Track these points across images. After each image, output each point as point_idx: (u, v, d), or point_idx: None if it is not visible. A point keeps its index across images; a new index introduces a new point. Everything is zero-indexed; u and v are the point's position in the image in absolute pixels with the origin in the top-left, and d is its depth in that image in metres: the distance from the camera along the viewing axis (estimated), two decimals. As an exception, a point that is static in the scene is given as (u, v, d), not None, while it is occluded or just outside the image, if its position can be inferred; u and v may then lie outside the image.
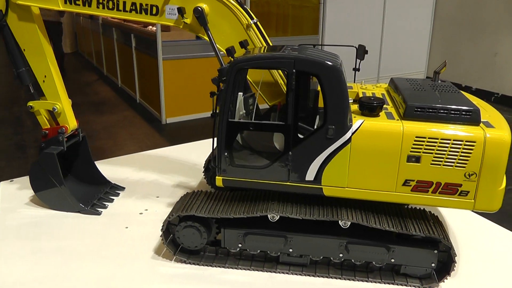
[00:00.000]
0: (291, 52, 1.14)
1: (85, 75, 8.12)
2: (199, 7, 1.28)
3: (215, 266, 1.26)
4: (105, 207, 1.55)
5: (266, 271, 1.24)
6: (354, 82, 1.52)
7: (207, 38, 1.31)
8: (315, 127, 1.16)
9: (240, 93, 1.28)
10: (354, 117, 1.16)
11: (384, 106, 1.25)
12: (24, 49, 1.42)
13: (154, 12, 1.34)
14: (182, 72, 5.25)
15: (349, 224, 1.19)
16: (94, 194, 1.58)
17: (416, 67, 7.41)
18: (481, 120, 1.15)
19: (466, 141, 1.11)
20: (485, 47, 6.57)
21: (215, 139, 1.19)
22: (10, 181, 1.73)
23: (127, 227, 1.44)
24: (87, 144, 1.63)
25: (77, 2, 1.36)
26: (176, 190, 1.67)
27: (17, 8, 1.38)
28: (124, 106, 5.93)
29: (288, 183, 1.19)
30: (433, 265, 1.20)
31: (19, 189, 1.66)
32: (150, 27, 5.53)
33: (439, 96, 1.21)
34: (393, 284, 1.21)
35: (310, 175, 1.18)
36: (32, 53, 1.42)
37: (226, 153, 1.19)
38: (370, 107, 1.16)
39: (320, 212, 1.20)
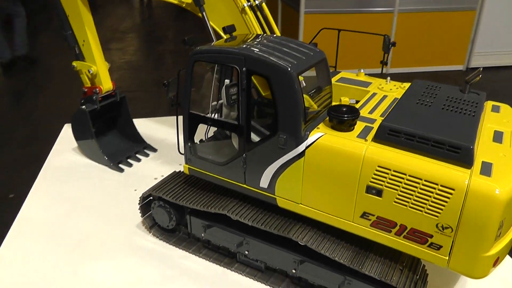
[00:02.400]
0: (249, 47, 1.02)
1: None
2: None
3: (181, 249, 1.28)
4: (130, 165, 1.67)
5: (223, 267, 1.22)
6: (381, 76, 1.30)
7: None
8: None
9: (227, 80, 1.21)
10: (318, 128, 1.00)
11: (376, 118, 1.04)
12: (68, 15, 1.55)
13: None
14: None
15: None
16: (125, 152, 1.71)
17: None
18: (482, 161, 0.89)
19: (441, 185, 0.88)
20: None
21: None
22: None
23: (135, 190, 1.54)
24: (126, 105, 1.74)
25: None
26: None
27: None
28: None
29: (244, 186, 1.12)
30: None
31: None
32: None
33: (437, 118, 0.96)
34: (344, 319, 1.07)
35: (264, 182, 1.07)
36: (74, 19, 1.54)
37: (189, 143, 1.16)
38: (339, 120, 0.98)
39: (274, 223, 1.10)
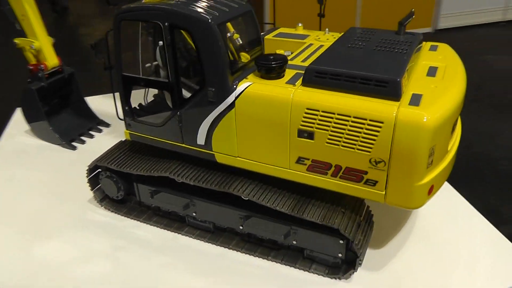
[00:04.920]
0: (171, 2, 0.98)
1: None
2: None
3: (132, 219, 1.26)
4: (83, 142, 1.63)
5: (173, 232, 1.20)
6: (320, 29, 1.28)
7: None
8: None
9: (160, 42, 1.17)
10: (246, 78, 0.98)
11: (305, 65, 1.02)
12: None
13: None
14: None
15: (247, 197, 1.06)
16: (78, 129, 1.67)
17: (493, 2, 5.21)
18: (412, 93, 0.88)
19: (370, 120, 0.86)
20: None
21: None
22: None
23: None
24: (76, 81, 1.70)
25: None
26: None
27: None
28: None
29: (183, 145, 1.09)
30: (340, 255, 1.02)
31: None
32: None
33: (366, 58, 0.95)
34: (293, 267, 1.07)
35: (201, 139, 1.06)
36: None
37: (126, 107, 1.13)
38: (267, 67, 0.96)
39: (215, 180, 1.09)
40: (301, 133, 0.93)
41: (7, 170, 1.52)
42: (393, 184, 0.90)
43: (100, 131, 1.70)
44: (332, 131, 0.90)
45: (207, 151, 1.06)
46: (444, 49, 1.12)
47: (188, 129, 1.06)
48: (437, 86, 0.92)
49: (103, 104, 1.82)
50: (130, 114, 1.14)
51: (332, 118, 0.89)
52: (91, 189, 1.30)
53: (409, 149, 0.85)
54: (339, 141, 0.90)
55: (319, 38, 1.19)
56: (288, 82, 0.95)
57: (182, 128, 1.07)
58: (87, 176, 1.28)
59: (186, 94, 1.04)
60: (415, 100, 0.87)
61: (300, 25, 1.27)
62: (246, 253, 1.12)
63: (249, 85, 0.95)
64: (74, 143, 1.62)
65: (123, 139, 1.32)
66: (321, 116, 0.90)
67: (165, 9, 0.96)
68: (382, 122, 0.85)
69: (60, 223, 1.26)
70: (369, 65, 0.91)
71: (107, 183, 1.26)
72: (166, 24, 0.96)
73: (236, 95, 0.96)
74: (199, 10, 0.95)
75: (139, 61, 1.15)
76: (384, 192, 0.91)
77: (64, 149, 1.61)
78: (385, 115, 0.85)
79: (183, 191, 1.15)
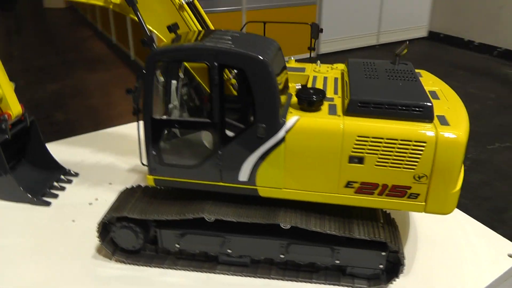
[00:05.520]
0: (214, 42, 1.01)
1: (79, 31, 7.90)
2: None
3: (154, 267, 1.20)
4: (55, 196, 1.49)
5: (205, 272, 1.18)
6: (310, 61, 1.38)
7: (136, 19, 1.18)
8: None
9: (174, 81, 1.17)
10: (290, 112, 1.04)
11: (332, 96, 1.12)
12: None
13: (80, -9, 1.21)
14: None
15: (289, 226, 1.10)
16: (45, 182, 1.52)
17: (418, 21, 6.80)
18: (436, 115, 1.02)
19: (415, 141, 0.99)
20: (490, 0, 6.11)
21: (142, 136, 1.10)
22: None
23: (73, 221, 1.38)
24: (37, 129, 1.55)
25: None
26: (130, 175, 1.60)
27: None
28: (118, 64, 5.79)
29: (221, 184, 1.10)
30: (381, 266, 1.11)
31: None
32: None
33: (391, 86, 1.08)
34: (338, 285, 1.14)
35: (243, 175, 1.08)
36: None
37: (154, 152, 1.10)
38: (309, 101, 1.03)
39: (257, 214, 1.11)
40: (351, 159, 1.02)
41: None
42: (433, 195, 1.03)
43: (69, 181, 1.57)
44: (381, 154, 1.00)
45: (250, 187, 1.09)
46: (427, 74, 1.31)
47: (229, 167, 1.07)
48: (449, 107, 1.09)
49: (62, 152, 1.68)
50: (158, 159, 1.10)
51: (381, 142, 1.00)
52: (101, 242, 1.21)
53: (448, 162, 0.99)
54: (387, 162, 1.01)
55: (318, 70, 1.29)
56: (330, 114, 1.03)
57: (222, 167, 1.07)
58: (98, 231, 1.19)
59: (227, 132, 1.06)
60: (443, 120, 1.02)
61: (292, 58, 1.37)
62: (289, 280, 1.15)
63: (297, 119, 1.01)
64: (45, 199, 1.47)
65: (125, 188, 1.26)
66: (371, 141, 1.00)
67: (217, 49, 0.98)
68: (425, 142, 0.98)
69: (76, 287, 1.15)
70: (400, 93, 1.04)
71: (123, 234, 1.18)
72: (215, 63, 0.98)
73: (286, 130, 1.01)
74: (250, 49, 0.98)
75: (160, 103, 1.13)
76: (424, 203, 1.04)
77: (34, 206, 1.45)
78: (428, 135, 0.98)
79: (214, 229, 1.15)
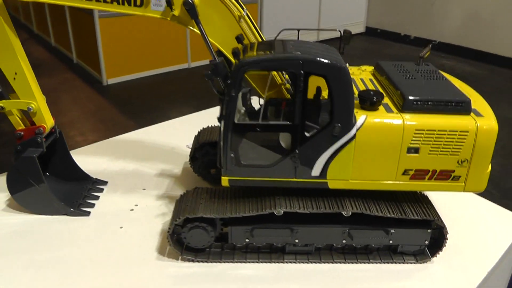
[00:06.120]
0: (296, 51, 1.12)
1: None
2: None
3: (223, 262, 1.28)
4: (92, 206, 1.49)
5: (274, 262, 1.29)
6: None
7: (198, 31, 1.24)
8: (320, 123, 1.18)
9: (244, 89, 1.26)
10: (357, 112, 1.19)
11: None
12: None
13: (138, 3, 1.24)
14: (121, 30, 4.95)
15: (350, 213, 1.25)
16: (78, 193, 1.51)
17: (356, 18, 7.43)
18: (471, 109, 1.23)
19: (460, 131, 1.18)
20: (422, -3, 6.81)
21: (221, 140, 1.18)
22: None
23: (121, 227, 1.41)
24: (64, 140, 1.53)
25: None
26: (161, 180, 1.64)
27: None
28: (61, 68, 5.52)
29: (294, 180, 1.22)
30: (426, 242, 1.30)
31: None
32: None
33: (430, 85, 1.27)
34: (392, 263, 1.30)
35: (316, 170, 1.20)
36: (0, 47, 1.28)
37: (232, 154, 1.18)
38: (372, 101, 1.19)
39: (326, 205, 1.24)
40: (409, 150, 1.19)
41: (21, 254, 1.29)
42: (471, 176, 1.24)
43: (101, 190, 1.57)
44: (433, 144, 1.19)
45: (322, 180, 1.21)
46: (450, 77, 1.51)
47: (304, 164, 1.19)
48: (475, 100, 1.30)
49: (86, 160, 1.66)
50: (235, 160, 1.19)
51: (433, 134, 1.18)
52: (170, 245, 1.26)
53: (484, 147, 1.20)
54: (438, 150, 1.20)
55: (352, 72, 1.45)
56: (388, 112, 1.20)
57: (298, 164, 1.19)
58: (169, 233, 1.24)
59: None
60: (476, 112, 1.23)
61: None
62: (350, 262, 1.30)
63: (365, 118, 1.17)
64: (83, 209, 1.46)
65: (184, 193, 1.31)
66: (426, 133, 1.18)
67: (303, 58, 1.09)
68: (468, 132, 1.18)
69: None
70: (440, 91, 1.23)
71: (195, 234, 1.25)
72: (301, 71, 1.09)
73: (357, 128, 1.16)
74: (328, 57, 1.11)
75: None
76: (463, 184, 1.25)
77: (73, 218, 1.44)
78: (470, 126, 1.18)
79: (282, 221, 1.25)
